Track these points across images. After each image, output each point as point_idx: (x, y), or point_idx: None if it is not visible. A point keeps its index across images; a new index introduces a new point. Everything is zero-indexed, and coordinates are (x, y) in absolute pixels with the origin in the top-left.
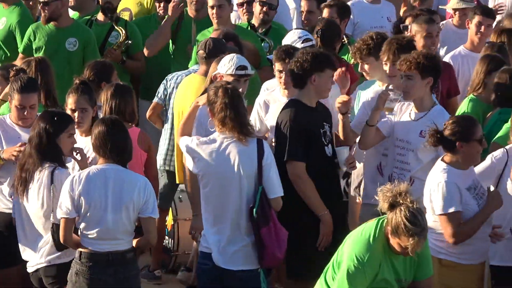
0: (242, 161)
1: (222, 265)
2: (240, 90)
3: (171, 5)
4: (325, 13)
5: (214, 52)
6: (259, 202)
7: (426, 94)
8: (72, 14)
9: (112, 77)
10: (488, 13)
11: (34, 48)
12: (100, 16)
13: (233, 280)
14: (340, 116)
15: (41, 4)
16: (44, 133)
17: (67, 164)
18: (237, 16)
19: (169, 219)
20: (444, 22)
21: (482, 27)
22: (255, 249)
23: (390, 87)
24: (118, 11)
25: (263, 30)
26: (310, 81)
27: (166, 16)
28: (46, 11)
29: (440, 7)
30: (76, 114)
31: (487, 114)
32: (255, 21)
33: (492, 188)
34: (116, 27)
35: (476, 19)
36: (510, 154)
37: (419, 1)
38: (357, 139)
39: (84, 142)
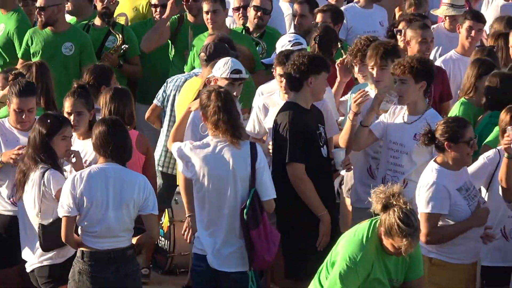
0: (237, 164)
1: (217, 267)
2: (234, 93)
3: (169, 2)
4: (319, 18)
5: (215, 55)
6: (250, 204)
7: (419, 98)
8: (70, 19)
9: (112, 81)
10: (479, 18)
11: (31, 52)
12: (97, 21)
13: (227, 282)
14: (350, 116)
15: (38, 9)
16: (38, 135)
17: (66, 167)
18: (232, 21)
19: (165, 221)
20: (435, 25)
21: (473, 32)
22: None
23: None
24: (114, 16)
25: (258, 34)
26: (307, 84)
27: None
28: (42, 16)
29: (431, 12)
30: (72, 117)
31: (478, 117)
32: (249, 26)
33: (486, 198)
34: (113, 32)
35: (467, 23)
36: (502, 155)
37: (414, 7)
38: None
39: (82, 145)
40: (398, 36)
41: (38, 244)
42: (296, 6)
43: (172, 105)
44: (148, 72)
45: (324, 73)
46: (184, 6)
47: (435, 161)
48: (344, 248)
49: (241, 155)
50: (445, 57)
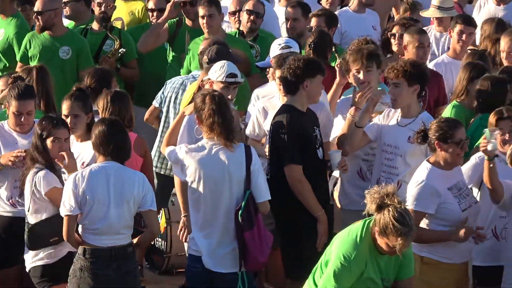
0: (232, 167)
1: (212, 268)
2: (230, 97)
3: (168, 5)
4: (313, 22)
5: (217, 59)
6: (245, 206)
7: (413, 101)
8: (68, 23)
9: (112, 83)
10: (469, 22)
11: (29, 55)
12: (95, 25)
13: (222, 283)
14: (351, 111)
15: (35, 13)
16: (35, 136)
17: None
18: (227, 26)
19: (162, 222)
20: (428, 26)
21: (464, 36)
22: None
23: (379, 89)
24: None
25: (251, 38)
26: (303, 87)
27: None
28: (40, 20)
29: (420, 13)
30: (68, 119)
31: (470, 120)
32: (243, 30)
33: (478, 198)
34: (110, 36)
35: (458, 27)
36: None
37: (409, 12)
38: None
39: (79, 147)
40: (392, 40)
41: None
42: (288, 9)
43: (168, 106)
44: (145, 76)
45: (320, 76)
46: (182, 10)
47: (428, 160)
48: (338, 247)
49: (236, 157)
50: (437, 60)
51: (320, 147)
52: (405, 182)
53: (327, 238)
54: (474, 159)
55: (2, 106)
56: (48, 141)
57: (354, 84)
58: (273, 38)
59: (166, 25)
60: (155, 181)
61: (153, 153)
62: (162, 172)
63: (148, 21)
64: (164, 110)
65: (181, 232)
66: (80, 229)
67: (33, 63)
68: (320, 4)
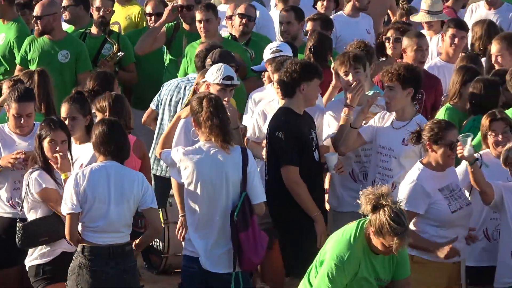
0: (229, 169)
1: (210, 269)
2: (226, 99)
3: (166, 9)
4: (309, 26)
5: (221, 61)
6: (240, 208)
7: (407, 104)
8: (67, 27)
9: (114, 86)
10: (461, 26)
11: (28, 59)
12: (93, 29)
13: (219, 283)
14: (345, 111)
15: (34, 18)
16: (35, 138)
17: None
18: (224, 30)
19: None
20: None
21: (456, 39)
22: None
23: (373, 92)
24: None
25: (244, 42)
26: (299, 90)
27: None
28: (39, 25)
29: (410, 18)
30: (66, 122)
31: (463, 122)
32: (235, 33)
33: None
34: (109, 40)
35: (450, 31)
36: (484, 159)
37: (406, 17)
38: (324, 142)
39: (78, 149)
40: (387, 43)
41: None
42: (282, 13)
43: (164, 109)
44: (143, 79)
45: (316, 80)
46: (179, 14)
47: (420, 161)
48: (333, 247)
49: (233, 159)
50: (430, 64)
51: (316, 149)
52: (400, 184)
53: (326, 236)
54: (464, 163)
55: (5, 109)
56: (45, 143)
57: (343, 86)
58: (265, 42)
59: (164, 28)
60: (153, 182)
61: (150, 155)
62: (158, 174)
63: (145, 25)
64: (160, 112)
65: (179, 232)
66: (80, 227)
67: (32, 67)
68: (316, 8)
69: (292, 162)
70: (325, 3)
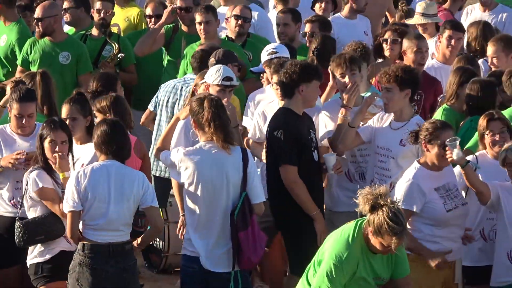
0: (230, 169)
1: (210, 268)
2: (225, 99)
3: (166, 11)
4: (307, 28)
5: (224, 60)
6: (240, 207)
7: (405, 105)
8: (68, 29)
9: (117, 86)
10: (458, 27)
11: (30, 60)
12: (94, 31)
13: (219, 282)
14: (342, 111)
15: (35, 20)
16: (36, 138)
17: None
18: (223, 32)
19: None
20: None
21: (453, 41)
22: None
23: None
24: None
25: (240, 43)
26: (298, 91)
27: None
28: (40, 26)
29: (405, 21)
30: (67, 122)
31: (460, 123)
32: (231, 35)
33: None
34: (109, 41)
35: (447, 33)
36: (480, 160)
37: (405, 19)
38: (323, 143)
39: (79, 150)
40: (384, 45)
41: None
42: (279, 15)
43: (161, 110)
44: (143, 80)
45: (316, 81)
46: (178, 16)
47: (418, 160)
48: (331, 247)
49: (233, 160)
50: (427, 65)
51: (315, 150)
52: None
53: (326, 234)
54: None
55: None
56: (45, 143)
57: (339, 88)
58: (262, 43)
59: (163, 30)
60: (152, 183)
61: (149, 155)
62: (157, 174)
63: (144, 27)
64: (158, 113)
65: (181, 231)
66: (80, 225)
67: (33, 68)
68: (314, 10)
69: (290, 162)
70: (323, 5)
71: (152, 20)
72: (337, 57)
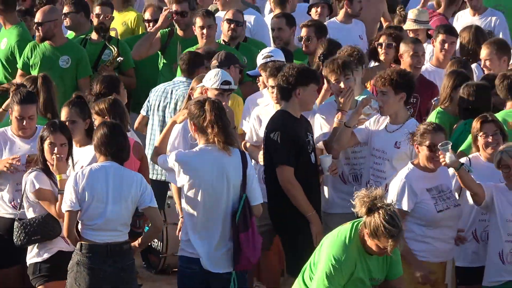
0: (230, 171)
1: (211, 269)
2: (224, 103)
3: (162, 15)
4: (303, 32)
5: (227, 63)
6: (242, 209)
7: (400, 108)
8: (68, 33)
9: (120, 88)
10: (451, 32)
11: (30, 64)
12: (94, 35)
13: (220, 282)
14: (338, 115)
15: (36, 24)
16: (37, 139)
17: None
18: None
19: None
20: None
21: (446, 45)
22: None
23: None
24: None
25: (233, 47)
26: (295, 94)
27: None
28: (40, 31)
29: (403, 25)
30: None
31: (454, 126)
32: (224, 38)
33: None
34: (108, 46)
35: (440, 37)
36: (473, 163)
37: (403, 23)
38: (318, 145)
39: (78, 152)
40: (379, 49)
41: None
42: (274, 19)
43: (153, 114)
44: (141, 83)
45: (313, 85)
46: (173, 20)
47: (412, 162)
48: (328, 249)
49: (233, 162)
50: (421, 69)
51: (313, 152)
52: None
53: (322, 235)
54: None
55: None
56: (45, 145)
57: (334, 92)
58: (258, 47)
59: (159, 34)
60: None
61: None
62: (154, 178)
63: (141, 31)
64: (150, 118)
65: (180, 233)
66: (79, 225)
67: (34, 72)
68: (310, 15)
69: (287, 162)
70: (319, 9)
71: (151, 24)
72: (330, 62)
